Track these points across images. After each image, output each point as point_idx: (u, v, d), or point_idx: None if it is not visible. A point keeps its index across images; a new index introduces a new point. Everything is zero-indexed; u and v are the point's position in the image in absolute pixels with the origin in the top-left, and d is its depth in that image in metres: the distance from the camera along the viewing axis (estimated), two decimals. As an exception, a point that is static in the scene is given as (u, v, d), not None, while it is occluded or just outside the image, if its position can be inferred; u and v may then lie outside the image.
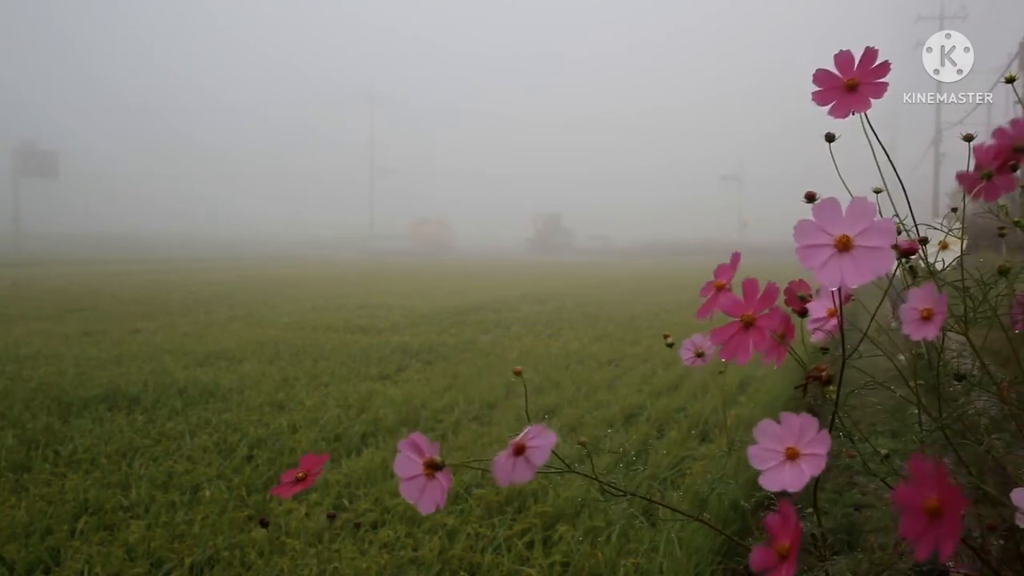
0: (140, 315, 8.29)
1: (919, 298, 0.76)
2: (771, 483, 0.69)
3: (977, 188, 0.89)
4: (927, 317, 0.75)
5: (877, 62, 0.73)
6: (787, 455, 0.70)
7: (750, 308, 0.76)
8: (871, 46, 0.74)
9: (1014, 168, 0.89)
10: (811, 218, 0.62)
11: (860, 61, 0.74)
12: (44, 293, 11.31)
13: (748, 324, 0.75)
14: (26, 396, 4.00)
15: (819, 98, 0.75)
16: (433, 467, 0.72)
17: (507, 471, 0.72)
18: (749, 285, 0.77)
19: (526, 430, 0.73)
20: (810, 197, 0.78)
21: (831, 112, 0.75)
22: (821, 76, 0.76)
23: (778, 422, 0.71)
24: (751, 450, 0.71)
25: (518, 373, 0.88)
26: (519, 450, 0.72)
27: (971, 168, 0.90)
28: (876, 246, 0.59)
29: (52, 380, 4.43)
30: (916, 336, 0.75)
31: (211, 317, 8.24)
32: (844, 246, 0.59)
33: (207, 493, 2.63)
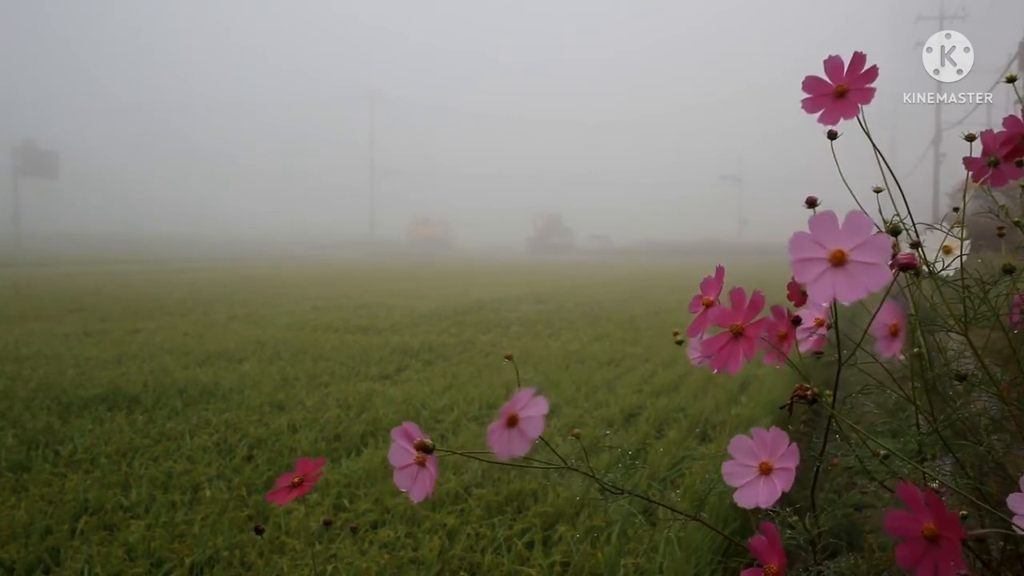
0: (140, 315, 8.29)
1: (887, 313, 0.75)
2: (746, 500, 0.69)
3: (984, 177, 0.88)
4: (895, 333, 0.74)
5: (867, 66, 0.73)
6: (761, 470, 0.70)
7: (739, 318, 0.75)
8: (859, 51, 0.73)
9: (1020, 164, 0.89)
10: (806, 231, 0.61)
11: (849, 66, 0.73)
12: (44, 293, 11.31)
13: (738, 334, 0.75)
14: (26, 396, 4.00)
15: (809, 105, 0.75)
16: (423, 450, 0.73)
17: (504, 444, 0.72)
18: (737, 294, 0.76)
19: (515, 396, 0.72)
20: (811, 203, 0.77)
21: (821, 119, 0.74)
22: (811, 82, 0.75)
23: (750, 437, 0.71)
24: (726, 467, 0.71)
25: (509, 358, 0.90)
26: (512, 421, 0.72)
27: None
28: (871, 262, 0.57)
29: (52, 380, 4.43)
30: (887, 354, 0.74)
31: (211, 317, 8.24)
32: (838, 261, 0.58)
33: (207, 493, 2.63)
